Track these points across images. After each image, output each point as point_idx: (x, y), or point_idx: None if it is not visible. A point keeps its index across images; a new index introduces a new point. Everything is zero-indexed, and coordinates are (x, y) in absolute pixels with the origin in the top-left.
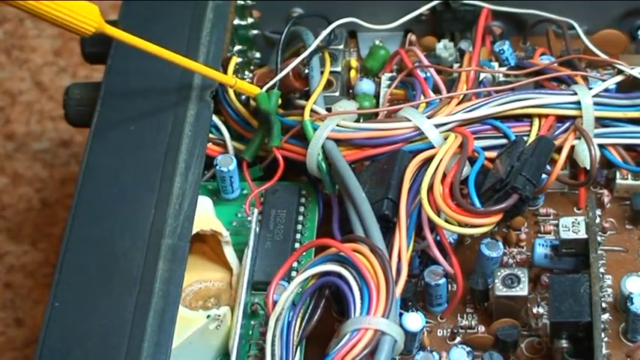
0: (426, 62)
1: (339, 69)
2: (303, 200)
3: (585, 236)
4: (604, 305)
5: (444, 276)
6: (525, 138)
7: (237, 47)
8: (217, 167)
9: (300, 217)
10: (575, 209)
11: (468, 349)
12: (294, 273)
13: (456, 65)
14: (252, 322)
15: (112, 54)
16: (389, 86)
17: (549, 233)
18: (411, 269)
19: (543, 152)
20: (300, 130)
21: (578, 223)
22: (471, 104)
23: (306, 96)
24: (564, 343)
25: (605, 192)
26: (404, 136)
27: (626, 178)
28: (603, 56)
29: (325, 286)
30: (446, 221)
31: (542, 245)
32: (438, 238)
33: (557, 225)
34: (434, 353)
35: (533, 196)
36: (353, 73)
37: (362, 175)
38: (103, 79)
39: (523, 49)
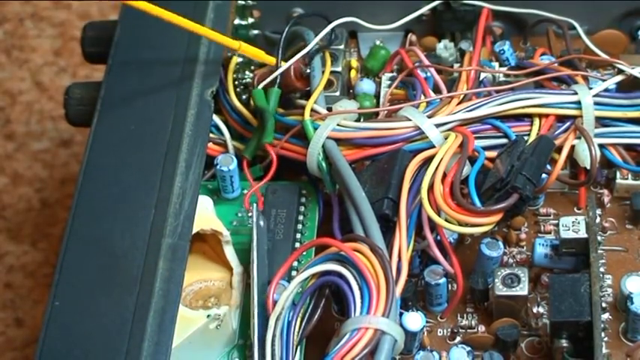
0: (426, 62)
1: (339, 69)
2: (303, 200)
3: (585, 236)
4: (604, 305)
5: (444, 275)
6: (526, 137)
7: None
8: (218, 167)
9: (301, 217)
10: (575, 209)
11: (468, 348)
12: (294, 272)
13: (456, 65)
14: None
15: (112, 54)
16: (389, 86)
17: (549, 233)
18: (411, 269)
19: (543, 152)
20: (300, 129)
21: (579, 223)
22: (471, 104)
23: (307, 96)
24: (564, 343)
25: (606, 192)
26: (404, 136)
27: (626, 178)
28: (603, 56)
29: (325, 286)
30: (446, 221)
31: (543, 245)
32: (438, 237)
33: (557, 225)
34: (434, 353)
35: (533, 196)
36: (353, 73)
37: (362, 174)
38: (103, 79)
39: (523, 49)
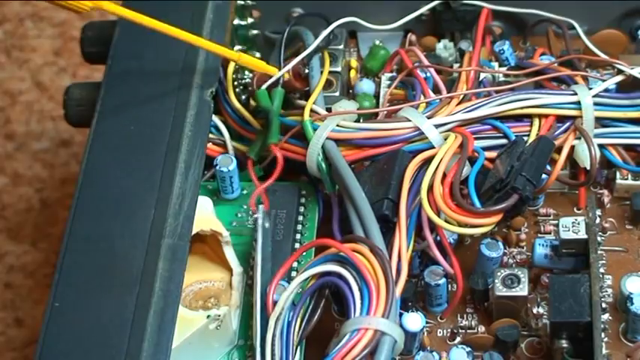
0: (426, 62)
1: (339, 69)
2: (303, 200)
3: (585, 236)
4: (604, 305)
5: (444, 276)
6: (525, 138)
7: (237, 47)
8: (217, 167)
9: (300, 217)
10: (575, 209)
11: (468, 349)
12: (294, 273)
13: (456, 65)
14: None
15: (112, 54)
16: (389, 86)
17: (549, 233)
18: (411, 269)
19: (543, 152)
20: (300, 130)
21: (578, 223)
22: (470, 104)
23: (306, 96)
24: (564, 343)
25: (605, 192)
26: (404, 136)
27: (626, 178)
28: (603, 56)
29: (325, 286)
30: (446, 221)
31: (542, 245)
32: (438, 238)
33: (557, 225)
34: (434, 353)
35: (533, 196)
36: (353, 73)
37: (362, 175)
38: (103, 79)
39: (523, 49)
